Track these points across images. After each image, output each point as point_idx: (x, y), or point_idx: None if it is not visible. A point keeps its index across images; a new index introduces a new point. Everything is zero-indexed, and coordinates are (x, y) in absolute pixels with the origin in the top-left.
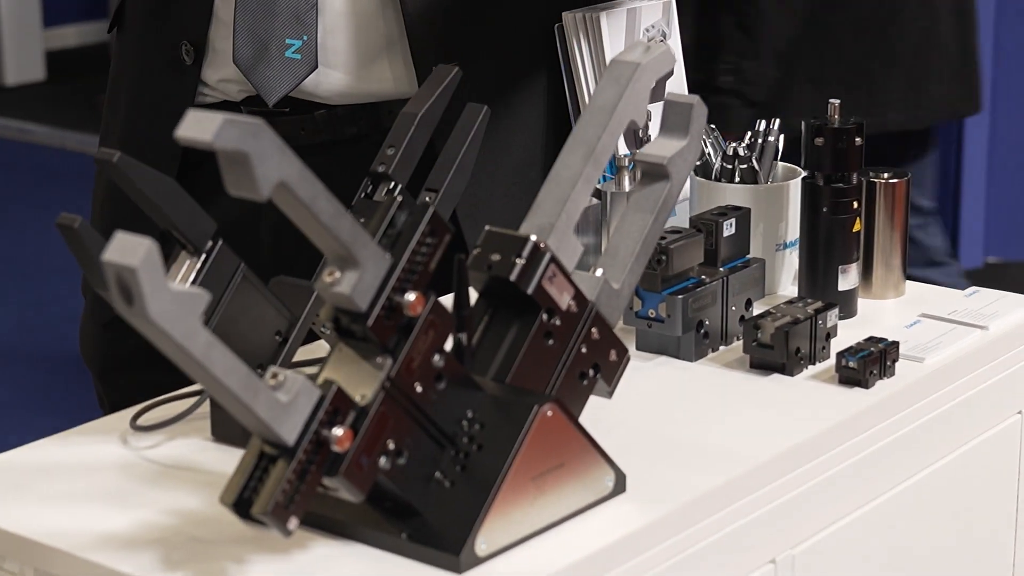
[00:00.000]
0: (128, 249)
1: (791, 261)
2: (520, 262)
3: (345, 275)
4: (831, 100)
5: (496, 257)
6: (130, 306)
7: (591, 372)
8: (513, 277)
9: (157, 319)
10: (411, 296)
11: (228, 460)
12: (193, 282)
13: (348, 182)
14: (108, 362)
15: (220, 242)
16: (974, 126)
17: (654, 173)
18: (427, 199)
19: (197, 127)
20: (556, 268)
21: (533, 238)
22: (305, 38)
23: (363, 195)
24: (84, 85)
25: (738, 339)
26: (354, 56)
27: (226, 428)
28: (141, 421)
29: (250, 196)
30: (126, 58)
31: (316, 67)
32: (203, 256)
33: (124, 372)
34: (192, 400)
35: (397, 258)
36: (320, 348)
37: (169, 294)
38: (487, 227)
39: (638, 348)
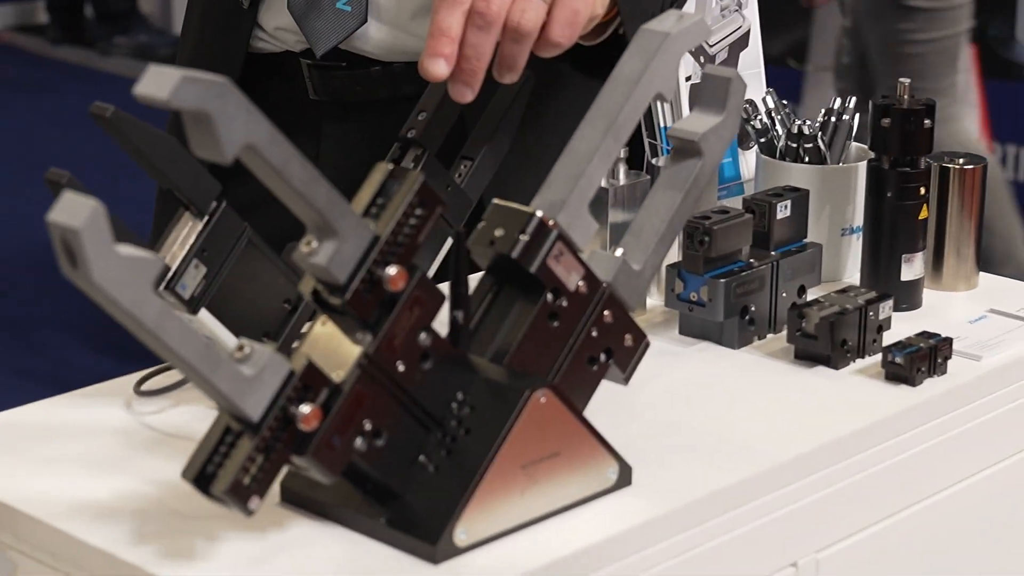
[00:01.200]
0: (73, 210)
1: (857, 248)
2: (524, 238)
3: (323, 245)
4: (901, 79)
5: (500, 232)
6: (74, 268)
7: (602, 357)
8: (515, 254)
9: (101, 283)
10: (392, 270)
11: None
12: (194, 244)
13: None
14: None
15: (224, 203)
16: None
17: (686, 149)
18: (463, 167)
19: (154, 83)
20: (564, 246)
21: (539, 214)
22: None
23: (390, 161)
24: None
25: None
26: (404, 10)
27: None
28: (147, 385)
29: (215, 159)
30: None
31: (366, 20)
32: (206, 218)
33: None
34: None
35: (380, 228)
36: None
37: (116, 258)
38: (493, 200)
39: (681, 332)
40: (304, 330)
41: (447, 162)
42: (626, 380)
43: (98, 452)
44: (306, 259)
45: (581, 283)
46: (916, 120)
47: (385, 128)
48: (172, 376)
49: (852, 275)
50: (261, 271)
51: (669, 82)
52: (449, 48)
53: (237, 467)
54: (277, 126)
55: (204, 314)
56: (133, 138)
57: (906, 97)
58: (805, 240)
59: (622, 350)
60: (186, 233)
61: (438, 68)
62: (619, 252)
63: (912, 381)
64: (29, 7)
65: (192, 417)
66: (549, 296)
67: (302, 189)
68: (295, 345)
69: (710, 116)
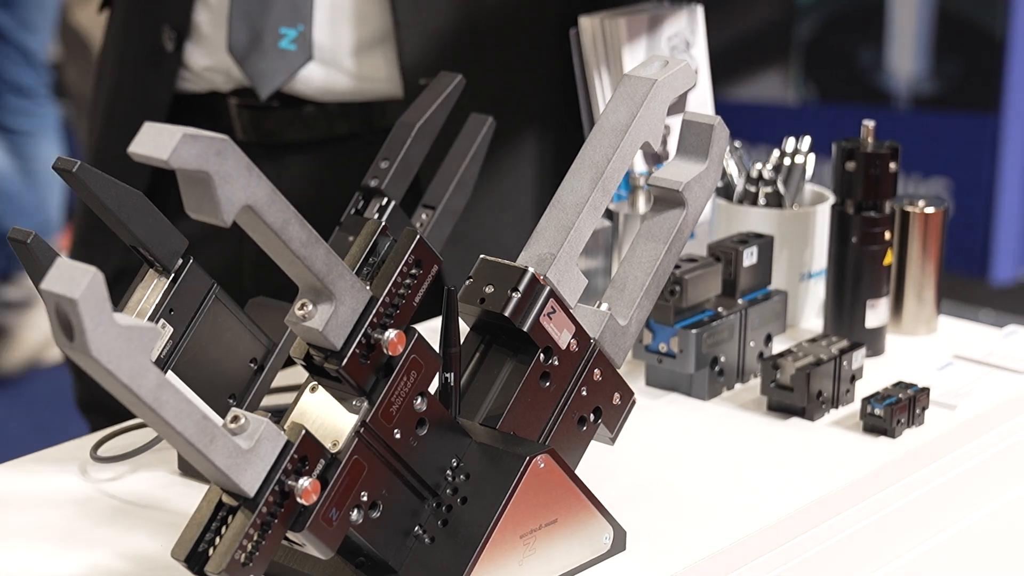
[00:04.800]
0: (70, 277)
1: (816, 292)
2: (516, 296)
3: (318, 308)
4: (865, 122)
5: (489, 289)
6: (71, 341)
7: (591, 417)
8: (508, 312)
9: (100, 356)
10: (391, 334)
11: (194, 497)
12: (160, 303)
13: (338, 182)
14: None
15: (191, 260)
16: (1013, 124)
17: (668, 199)
18: (423, 217)
19: (152, 143)
20: (556, 303)
21: (531, 270)
22: (301, 27)
23: (353, 211)
24: None
25: (755, 377)
26: (346, 51)
27: None
28: (103, 450)
29: (212, 220)
30: (109, 43)
31: (311, 58)
32: (172, 275)
33: None
34: None
35: (377, 291)
36: (299, 373)
37: (115, 329)
38: (481, 256)
39: (647, 384)
40: (262, 390)
41: (405, 211)
42: (613, 440)
43: (58, 523)
44: (300, 323)
45: (573, 341)
46: (881, 163)
47: (316, 169)
48: (128, 439)
49: (810, 320)
50: (226, 330)
51: (656, 130)
52: None
53: (233, 545)
54: None
55: (171, 376)
56: (99, 193)
57: (870, 140)
58: (770, 287)
59: (610, 409)
60: (151, 292)
61: None
62: (604, 307)
63: (892, 433)
64: None
65: (153, 484)
66: (541, 356)
67: (301, 251)
68: (275, 400)
69: (692, 164)
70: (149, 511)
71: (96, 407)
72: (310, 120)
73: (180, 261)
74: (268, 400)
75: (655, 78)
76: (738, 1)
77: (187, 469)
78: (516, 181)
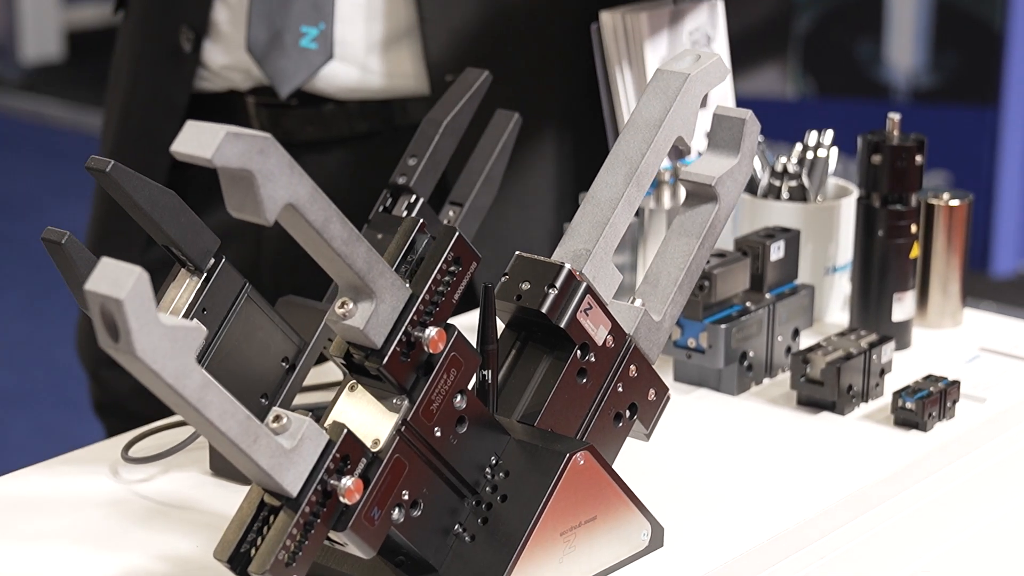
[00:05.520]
0: (114, 278)
1: (841, 286)
2: (553, 292)
3: (359, 307)
4: (890, 115)
5: (526, 286)
6: (115, 342)
7: (627, 413)
8: (545, 309)
9: (145, 357)
10: (432, 332)
11: (227, 497)
12: (193, 303)
13: (358, 181)
14: (101, 360)
15: (223, 260)
16: (1012, 116)
17: (701, 194)
18: (451, 214)
19: (195, 141)
20: (592, 299)
21: (568, 266)
22: (322, 26)
23: (381, 208)
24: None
25: (783, 371)
26: (367, 48)
27: (225, 461)
28: (134, 451)
29: (254, 219)
30: (125, 43)
31: (332, 57)
32: (204, 275)
33: (118, 371)
34: (190, 429)
35: (417, 289)
36: (329, 371)
37: (160, 329)
38: (517, 252)
39: (675, 379)
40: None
41: (434, 207)
42: (648, 436)
43: (91, 525)
44: (340, 322)
45: (609, 337)
46: (907, 156)
47: (337, 167)
48: (159, 440)
49: (835, 315)
50: (258, 329)
51: (689, 124)
52: None
53: (276, 545)
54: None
55: None
56: (132, 193)
57: (895, 133)
58: (796, 281)
59: (646, 405)
60: (183, 291)
61: None
62: (638, 302)
63: (923, 426)
64: None
65: (184, 484)
66: (578, 352)
67: (342, 249)
68: (310, 399)
69: (724, 158)
70: (183, 512)
71: (112, 410)
72: (330, 118)
73: (212, 260)
74: (299, 399)
75: (688, 72)
76: None
77: (219, 469)
78: (540, 177)
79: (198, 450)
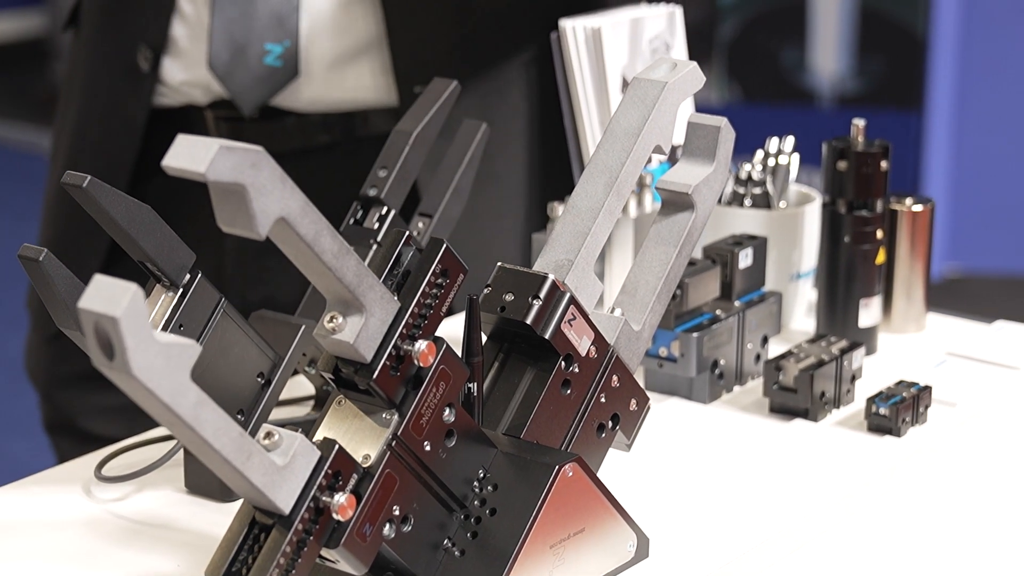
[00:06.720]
0: (109, 295)
1: (805, 292)
2: (537, 303)
3: (348, 321)
4: (855, 121)
5: (509, 297)
6: (110, 360)
7: (610, 424)
8: (530, 320)
9: (141, 375)
10: (421, 345)
11: (204, 516)
12: (170, 319)
13: (317, 192)
14: (53, 379)
15: (199, 275)
16: (937, 121)
17: (677, 203)
18: (420, 225)
19: (188, 156)
20: (576, 310)
21: (552, 277)
22: (287, 43)
23: (352, 220)
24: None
25: (753, 379)
26: (332, 63)
27: (201, 479)
28: (106, 469)
29: (246, 233)
30: (78, 61)
31: (297, 75)
32: (180, 290)
33: (71, 391)
34: (166, 446)
35: (406, 302)
36: (300, 385)
37: (155, 347)
38: (499, 264)
39: (647, 388)
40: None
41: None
42: (629, 446)
43: (68, 546)
44: (330, 337)
45: (592, 348)
46: (873, 162)
47: (296, 179)
48: (130, 459)
49: (800, 321)
50: (234, 344)
51: (667, 132)
52: None
53: (268, 564)
54: (173, 181)
55: None
56: (109, 208)
57: (860, 139)
58: (764, 289)
59: (628, 415)
60: (159, 307)
61: None
62: (617, 312)
63: (897, 432)
64: None
65: (160, 502)
66: (562, 363)
67: (332, 263)
68: (285, 413)
69: (700, 166)
70: (161, 530)
71: (65, 429)
72: (291, 131)
73: (188, 276)
74: (274, 414)
75: (665, 81)
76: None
77: (195, 487)
78: (509, 187)
79: (173, 468)
